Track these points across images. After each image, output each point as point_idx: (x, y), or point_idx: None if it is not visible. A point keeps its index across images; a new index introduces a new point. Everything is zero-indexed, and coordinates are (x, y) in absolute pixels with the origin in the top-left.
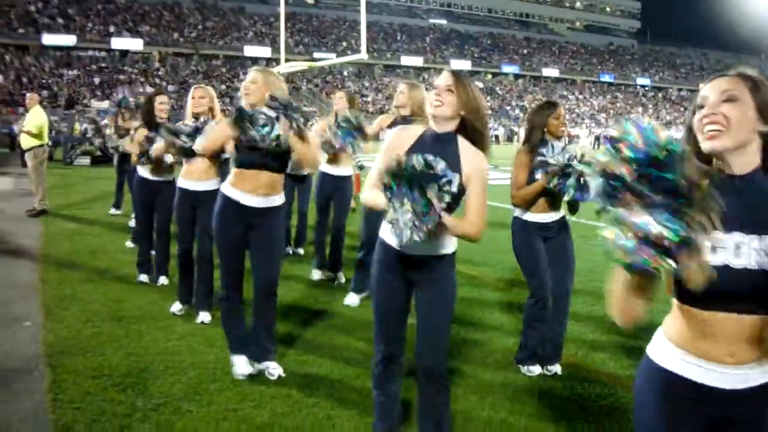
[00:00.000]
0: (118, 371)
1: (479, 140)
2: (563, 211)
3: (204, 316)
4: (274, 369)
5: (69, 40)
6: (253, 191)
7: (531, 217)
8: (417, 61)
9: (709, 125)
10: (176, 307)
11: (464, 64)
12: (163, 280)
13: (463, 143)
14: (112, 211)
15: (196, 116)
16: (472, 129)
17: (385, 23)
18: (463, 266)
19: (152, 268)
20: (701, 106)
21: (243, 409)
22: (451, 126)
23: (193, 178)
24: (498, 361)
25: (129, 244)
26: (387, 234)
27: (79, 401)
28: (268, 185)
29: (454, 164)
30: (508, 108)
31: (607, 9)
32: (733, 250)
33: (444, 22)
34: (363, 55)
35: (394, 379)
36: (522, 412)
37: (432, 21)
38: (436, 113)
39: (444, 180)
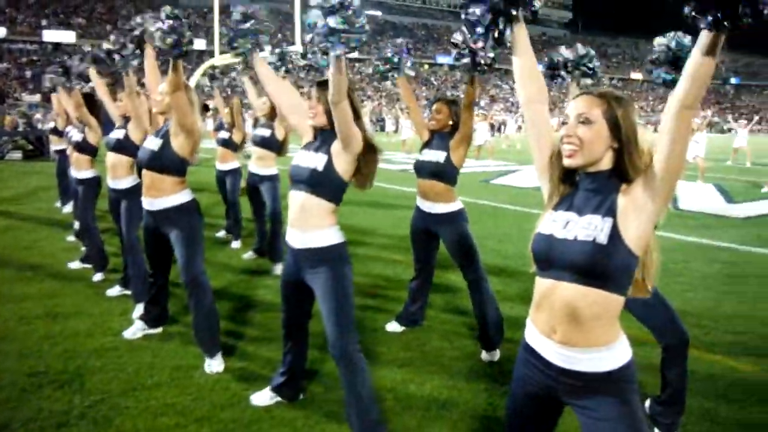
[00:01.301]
0: (54, 369)
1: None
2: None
3: (140, 309)
4: (214, 366)
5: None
6: (146, 193)
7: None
8: (352, 53)
9: (566, 145)
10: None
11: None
12: (98, 276)
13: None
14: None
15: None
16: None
17: None
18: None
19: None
20: (564, 123)
21: (181, 403)
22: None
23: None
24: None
25: (70, 238)
26: (289, 235)
27: (15, 400)
28: (150, 186)
29: (327, 148)
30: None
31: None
32: (561, 224)
33: (379, 13)
34: (298, 47)
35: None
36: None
37: (366, 12)
38: (314, 123)
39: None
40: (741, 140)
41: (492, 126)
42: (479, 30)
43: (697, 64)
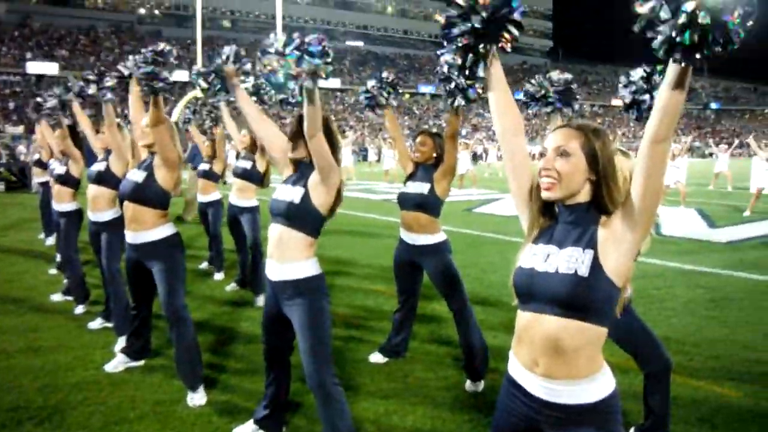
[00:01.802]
0: (35, 404)
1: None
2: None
3: (122, 342)
4: (196, 399)
5: None
6: (128, 226)
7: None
8: (335, 83)
9: (544, 178)
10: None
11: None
12: (80, 309)
13: None
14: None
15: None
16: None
17: None
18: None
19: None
20: (543, 155)
21: None
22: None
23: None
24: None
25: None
26: (267, 267)
27: None
28: (132, 219)
29: (304, 181)
30: (426, 128)
31: (522, 26)
32: (542, 257)
33: (361, 44)
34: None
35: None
36: None
37: (349, 43)
38: (293, 156)
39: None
40: (722, 165)
41: (474, 154)
42: (453, 68)
43: (666, 97)
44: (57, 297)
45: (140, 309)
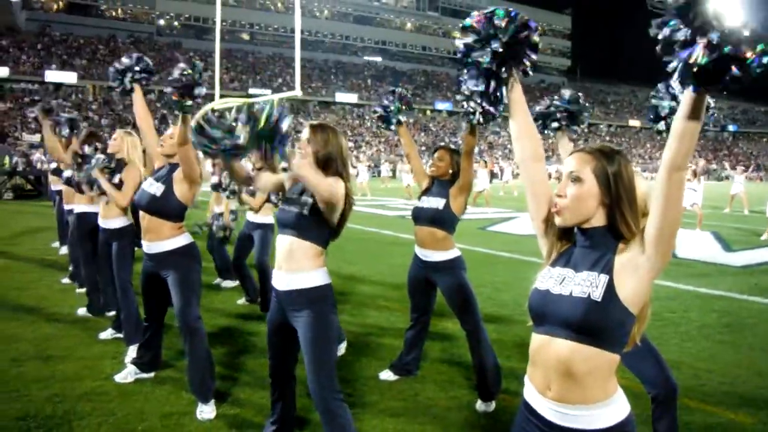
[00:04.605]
0: (43, 413)
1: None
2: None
3: (133, 351)
4: (206, 413)
5: (1, 72)
6: (144, 236)
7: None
8: (352, 97)
9: (558, 202)
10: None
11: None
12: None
13: None
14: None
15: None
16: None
17: (320, 60)
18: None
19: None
20: (558, 178)
21: None
22: None
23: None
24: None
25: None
26: (274, 279)
27: None
28: (148, 229)
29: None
30: (444, 143)
31: (539, 48)
32: (557, 280)
33: (379, 59)
34: (297, 92)
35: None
36: None
37: (367, 58)
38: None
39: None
40: (738, 186)
41: (492, 173)
42: (476, 91)
43: (682, 125)
44: (82, 311)
45: (152, 321)
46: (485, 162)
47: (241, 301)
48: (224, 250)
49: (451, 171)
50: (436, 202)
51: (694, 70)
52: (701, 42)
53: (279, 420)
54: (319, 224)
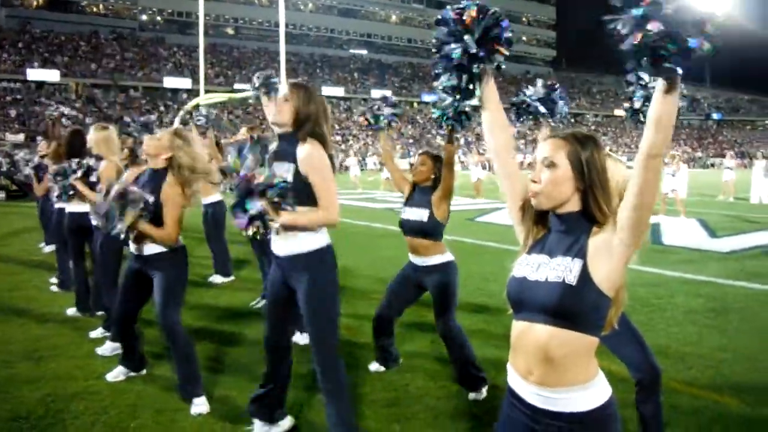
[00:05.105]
0: (36, 413)
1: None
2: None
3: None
4: (199, 407)
5: None
6: (133, 240)
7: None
8: (338, 91)
9: (533, 188)
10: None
11: (385, 94)
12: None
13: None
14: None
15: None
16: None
17: (305, 54)
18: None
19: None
20: (531, 165)
21: None
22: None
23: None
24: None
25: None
26: (274, 245)
27: None
28: (138, 234)
29: (292, 157)
30: (429, 136)
31: (524, 38)
32: (533, 267)
33: (364, 52)
34: (283, 86)
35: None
36: None
37: (353, 51)
38: (275, 120)
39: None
40: (730, 173)
41: (483, 164)
42: (448, 89)
43: (656, 113)
44: (71, 311)
45: (126, 319)
46: (479, 152)
47: (259, 304)
48: (223, 242)
49: (432, 176)
50: (419, 214)
51: (639, 54)
52: (640, 30)
53: (270, 389)
54: (304, 191)
